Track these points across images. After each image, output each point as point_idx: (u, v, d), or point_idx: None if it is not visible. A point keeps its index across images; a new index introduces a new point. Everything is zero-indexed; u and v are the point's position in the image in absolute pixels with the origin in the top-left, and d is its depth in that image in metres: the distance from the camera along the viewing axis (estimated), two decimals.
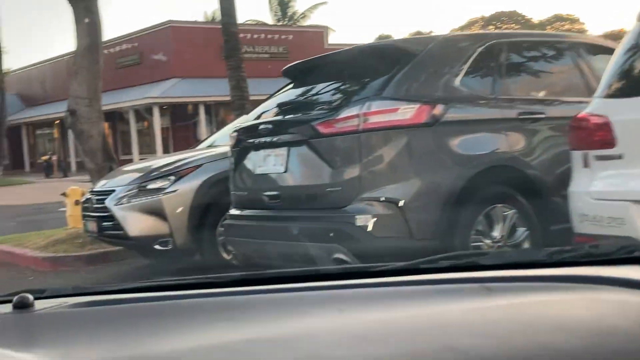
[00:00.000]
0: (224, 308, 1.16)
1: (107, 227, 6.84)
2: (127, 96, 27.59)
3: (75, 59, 9.07)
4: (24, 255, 8.48)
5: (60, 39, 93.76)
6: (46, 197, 19.42)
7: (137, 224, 6.64)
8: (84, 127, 8.85)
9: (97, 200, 6.98)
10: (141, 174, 7.04)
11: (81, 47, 8.80)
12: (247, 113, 9.86)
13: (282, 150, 4.74)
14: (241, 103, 11.02)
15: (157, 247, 6.53)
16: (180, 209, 6.58)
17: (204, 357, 0.92)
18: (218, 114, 30.35)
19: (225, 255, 6.36)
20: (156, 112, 28.20)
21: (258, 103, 6.39)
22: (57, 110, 33.89)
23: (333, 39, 33.21)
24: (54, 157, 30.97)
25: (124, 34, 30.88)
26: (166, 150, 27.77)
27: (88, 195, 7.43)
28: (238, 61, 11.37)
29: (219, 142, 7.96)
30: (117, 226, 6.70)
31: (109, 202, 6.78)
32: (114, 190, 6.89)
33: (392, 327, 1.00)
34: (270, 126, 4.90)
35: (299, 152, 4.66)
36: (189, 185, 6.63)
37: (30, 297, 1.18)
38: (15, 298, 1.18)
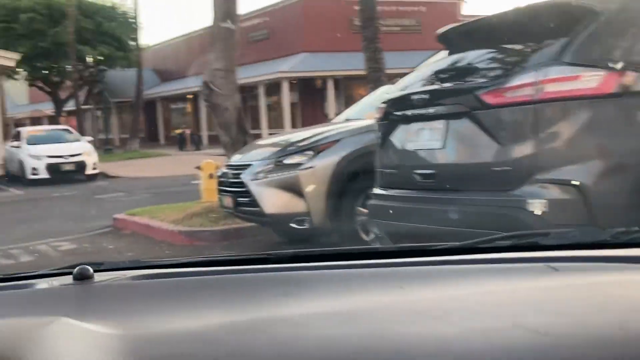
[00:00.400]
0: (281, 283, 1.18)
1: (243, 202, 6.59)
2: (256, 71, 27.77)
3: (212, 29, 8.91)
4: (160, 228, 8.46)
5: (194, 15, 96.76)
6: (179, 170, 19.87)
7: (273, 200, 6.34)
8: (219, 99, 8.69)
9: (233, 174, 6.75)
10: (278, 148, 6.73)
11: (218, 16, 8.61)
12: (382, 85, 9.38)
13: (439, 124, 4.20)
14: (376, 75, 10.54)
15: (293, 225, 6.20)
16: (318, 186, 6.21)
17: (265, 330, 0.95)
18: (347, 89, 30.02)
19: (364, 236, 5.95)
20: (285, 86, 28.26)
21: (391, 77, 5.91)
22: (190, 85, 34.92)
23: (467, 10, 31.86)
24: (187, 131, 31.83)
25: (254, 9, 31.09)
26: (294, 126, 27.80)
27: (224, 169, 7.21)
28: (374, 31, 10.87)
29: (355, 115, 7.51)
30: (253, 202, 6.43)
31: (245, 176, 6.51)
32: (250, 165, 6.63)
33: (455, 304, 1.01)
34: (425, 96, 4.36)
35: (459, 126, 4.11)
36: (327, 161, 6.24)
37: (90, 269, 1.22)
38: (75, 269, 1.21)
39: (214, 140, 32.13)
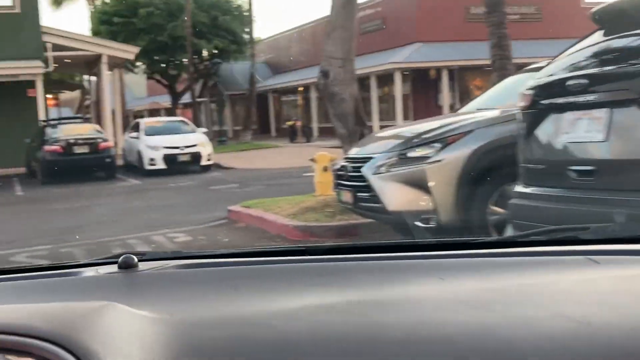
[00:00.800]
0: (319, 274, 1.21)
1: (363, 198, 6.18)
2: (368, 62, 27.30)
3: (330, 16, 8.54)
4: (275, 222, 8.20)
5: (306, 8, 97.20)
6: (291, 161, 19.81)
7: (396, 196, 5.89)
8: (336, 89, 8.32)
9: (353, 168, 6.34)
10: (401, 140, 6.26)
11: (337, 3, 8.23)
12: (509, 73, 8.71)
13: (600, 112, 3.61)
14: (502, 63, 9.84)
15: (418, 224, 5.72)
16: (446, 182, 5.70)
17: (307, 317, 1.00)
18: (461, 80, 29.06)
19: (497, 237, 5.38)
20: (397, 78, 27.66)
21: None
22: (301, 77, 35.02)
23: None
24: (298, 123, 31.83)
25: (367, 0, 30.63)
26: (406, 118, 27.18)
27: (342, 162, 6.82)
28: (500, 17, 10.17)
29: (487, 104, 6.92)
30: (374, 198, 6.00)
31: (366, 170, 6.09)
32: (371, 158, 6.19)
33: (497, 295, 1.06)
34: (583, 81, 3.77)
35: (627, 115, 3.51)
36: (457, 154, 5.72)
37: (135, 258, 1.27)
38: (120, 258, 1.27)
39: (324, 132, 32.07)
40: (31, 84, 21.53)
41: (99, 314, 0.97)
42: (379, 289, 1.11)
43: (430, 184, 5.70)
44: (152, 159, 18.02)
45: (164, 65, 34.53)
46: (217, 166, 19.17)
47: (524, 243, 1.37)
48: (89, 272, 1.32)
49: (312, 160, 10.19)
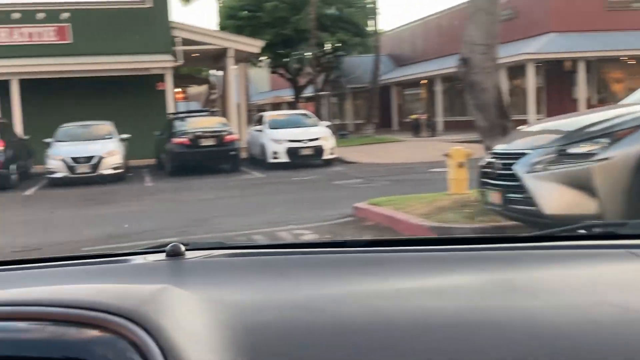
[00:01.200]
0: (363, 263, 1.25)
1: (514, 199, 5.49)
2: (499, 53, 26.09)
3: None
4: (407, 222, 7.62)
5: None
6: (416, 156, 19.12)
7: (555, 198, 5.17)
8: (477, 77, 7.62)
9: (503, 165, 5.66)
10: (560, 135, 5.51)
11: None
12: None
13: None
14: None
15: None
16: (615, 183, 4.92)
17: (356, 303, 1.03)
18: (600, 72, 27.20)
19: None
20: (530, 69, 26.19)
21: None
22: (425, 70, 34.12)
23: None
24: (423, 116, 30.90)
25: None
26: (539, 112, 25.73)
27: (489, 159, 6.14)
28: None
29: None
30: (528, 200, 5.30)
31: (519, 168, 5.40)
32: (524, 154, 5.49)
33: (540, 284, 1.09)
34: None
35: None
36: (629, 151, 4.93)
37: (182, 246, 1.33)
38: (168, 246, 1.32)
39: (450, 126, 31.06)
40: (161, 78, 22.04)
41: (160, 294, 1.00)
42: (421, 278, 1.14)
43: (597, 184, 4.94)
44: (275, 152, 17.88)
45: (287, 58, 34.66)
46: (339, 160, 18.79)
47: (566, 237, 1.41)
48: (138, 259, 1.37)
49: (446, 155, 9.53)
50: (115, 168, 16.66)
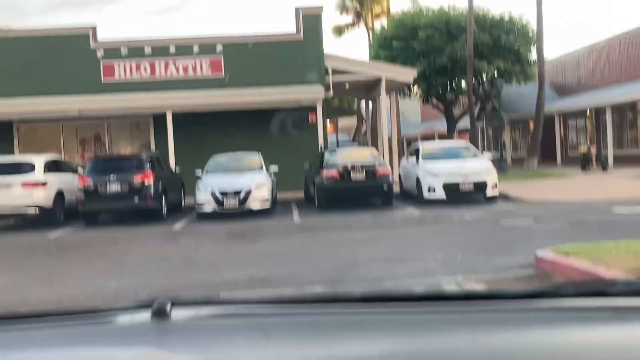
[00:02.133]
0: (353, 324, 1.23)
1: None
2: None
3: None
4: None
5: (598, 24, 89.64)
6: (591, 194, 16.94)
7: None
8: None
9: None
10: None
11: None
12: None
13: None
14: None
15: None
16: None
17: None
18: None
19: None
20: None
21: None
22: (590, 99, 31.34)
23: None
24: (593, 149, 28.03)
25: None
26: None
27: None
28: None
29: None
30: None
31: None
32: None
33: (523, 346, 1.08)
34: None
35: None
36: None
37: (168, 304, 1.28)
38: (154, 305, 1.28)
39: (622, 160, 28.07)
40: (313, 109, 21.41)
41: None
42: (410, 341, 1.12)
43: None
44: (431, 187, 16.44)
45: (441, 88, 33.19)
46: (502, 196, 17.01)
47: (552, 295, 1.37)
48: (122, 318, 1.32)
49: None
50: (263, 202, 15.96)
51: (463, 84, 33.03)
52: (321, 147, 18.86)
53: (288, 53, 21.86)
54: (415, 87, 33.29)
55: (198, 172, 17.11)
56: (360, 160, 16.85)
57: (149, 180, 15.69)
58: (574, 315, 1.21)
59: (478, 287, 5.44)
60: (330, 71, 21.96)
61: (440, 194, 16.30)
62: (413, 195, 17.53)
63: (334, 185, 16.29)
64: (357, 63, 23.54)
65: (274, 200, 17.05)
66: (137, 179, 15.64)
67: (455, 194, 16.23)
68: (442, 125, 37.76)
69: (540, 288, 1.35)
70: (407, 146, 24.13)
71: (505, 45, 31.66)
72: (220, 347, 1.12)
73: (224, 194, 15.75)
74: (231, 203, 15.76)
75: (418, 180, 16.97)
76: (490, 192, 16.39)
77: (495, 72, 32.06)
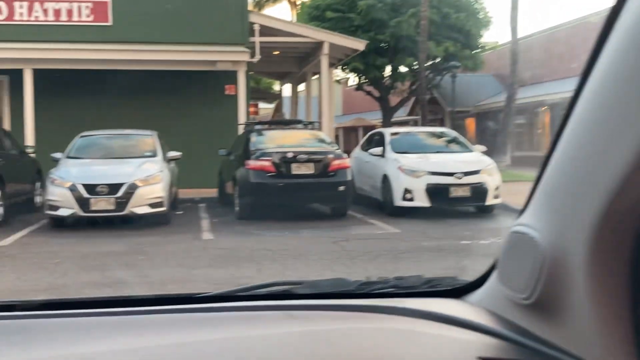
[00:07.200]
0: (27, 331, 1.16)
1: None
2: None
3: None
4: None
5: (553, 9, 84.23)
6: None
7: None
8: None
9: None
10: None
11: None
12: None
13: None
14: None
15: None
16: None
17: None
18: None
19: None
20: None
21: None
22: (548, 91, 27.48)
23: None
24: None
25: None
26: None
27: None
28: None
29: None
30: None
31: None
32: None
33: (191, 352, 1.05)
34: None
35: None
36: None
37: None
38: None
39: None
40: (231, 79, 15.82)
41: None
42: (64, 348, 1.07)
43: None
44: (407, 191, 11.16)
45: (380, 71, 28.26)
46: (503, 207, 12.00)
47: (243, 297, 1.34)
48: None
49: None
50: (154, 204, 10.24)
51: (402, 69, 28.38)
52: (244, 127, 13.25)
53: (200, 1, 16.10)
54: (346, 69, 28.42)
55: (56, 155, 11.22)
56: (305, 147, 11.38)
57: None
58: (247, 317, 1.21)
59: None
60: (257, 33, 16.40)
61: (420, 200, 11.06)
62: (374, 201, 12.27)
63: (264, 183, 10.75)
64: (292, 24, 18.08)
65: (173, 201, 11.41)
66: None
67: (443, 200, 11.07)
68: (376, 117, 32.87)
69: (229, 290, 1.28)
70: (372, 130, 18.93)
71: (455, 25, 27.08)
72: None
73: (91, 189, 9.93)
74: (102, 204, 9.95)
75: (385, 180, 11.67)
76: (491, 199, 11.29)
77: (438, 58, 27.51)
